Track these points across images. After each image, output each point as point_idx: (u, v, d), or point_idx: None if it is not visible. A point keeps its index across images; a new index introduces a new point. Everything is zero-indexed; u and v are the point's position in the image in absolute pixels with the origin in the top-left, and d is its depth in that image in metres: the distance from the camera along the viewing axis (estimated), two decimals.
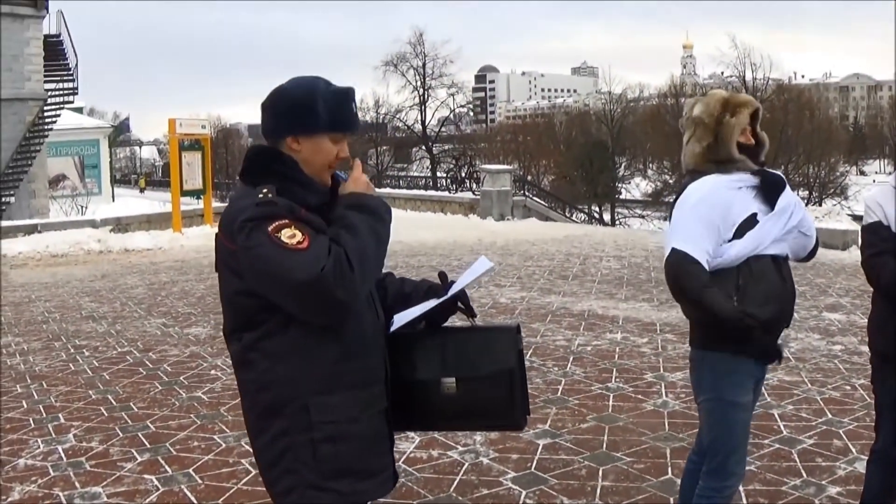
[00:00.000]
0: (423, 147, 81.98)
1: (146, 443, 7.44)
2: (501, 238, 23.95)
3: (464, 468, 6.61)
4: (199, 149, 28.52)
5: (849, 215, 26.13)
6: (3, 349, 11.32)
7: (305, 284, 2.96)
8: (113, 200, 53.86)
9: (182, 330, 12.23)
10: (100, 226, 26.17)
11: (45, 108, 37.38)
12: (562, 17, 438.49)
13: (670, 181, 72.19)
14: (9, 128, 35.31)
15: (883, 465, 4.89)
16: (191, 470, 6.75)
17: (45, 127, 37.39)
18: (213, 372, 9.72)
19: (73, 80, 38.68)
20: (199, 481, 6.53)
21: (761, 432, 7.06)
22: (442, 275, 3.63)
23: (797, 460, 6.60)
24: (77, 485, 6.54)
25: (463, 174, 44.82)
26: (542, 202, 35.61)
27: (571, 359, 9.83)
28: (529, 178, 62.80)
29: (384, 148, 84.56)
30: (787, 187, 4.52)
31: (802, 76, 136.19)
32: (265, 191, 3.11)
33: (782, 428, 7.33)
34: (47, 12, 37.94)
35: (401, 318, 3.49)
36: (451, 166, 67.15)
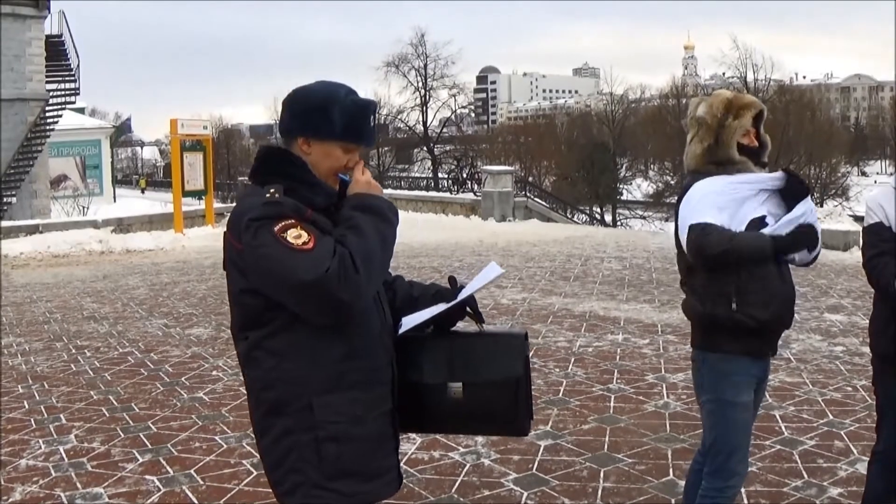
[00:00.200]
0: (425, 148, 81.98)
1: (147, 443, 7.44)
2: (502, 239, 23.95)
3: (465, 469, 6.62)
4: (200, 149, 28.55)
5: (850, 216, 26.07)
6: (5, 349, 11.32)
7: (309, 285, 2.95)
8: (114, 201, 54.02)
9: (183, 331, 12.23)
10: (101, 226, 26.19)
11: (47, 108, 37.44)
12: (563, 18, 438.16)
13: (672, 182, 72.28)
14: (10, 128, 35.36)
15: (885, 467, 4.89)
16: (192, 471, 6.75)
17: (47, 127, 37.44)
18: (214, 373, 9.73)
19: (74, 81, 38.72)
20: (201, 482, 6.53)
21: (763, 433, 7.05)
22: (451, 279, 3.63)
23: (798, 461, 6.60)
24: (78, 485, 6.54)
25: (464, 175, 44.78)
26: (544, 203, 35.64)
27: (573, 360, 9.83)
28: (531, 179, 62.95)
29: (385, 149, 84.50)
30: (808, 197, 4.49)
31: (804, 77, 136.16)
32: (272, 190, 3.11)
33: (784, 429, 7.33)
34: (49, 12, 38.00)
35: (409, 321, 3.48)
36: (453, 167, 67.02)
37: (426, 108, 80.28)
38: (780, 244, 4.31)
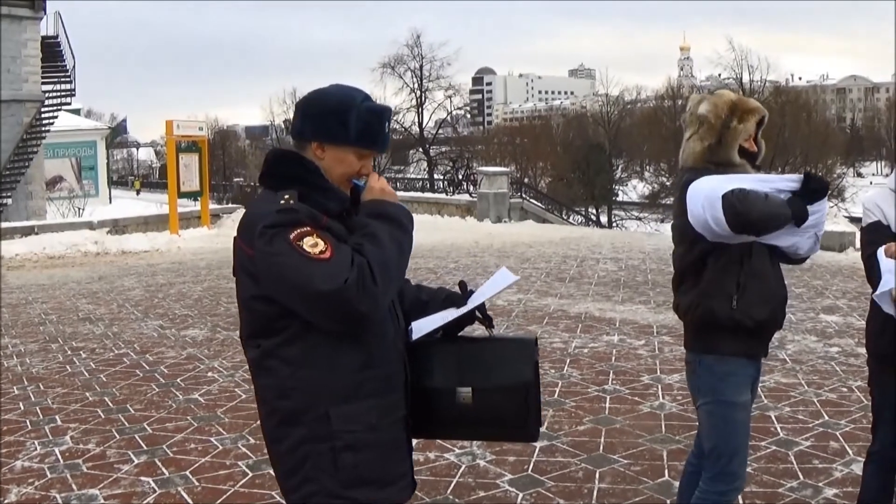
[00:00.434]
0: (420, 149, 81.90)
1: (143, 445, 7.43)
2: (498, 240, 23.97)
3: (461, 470, 6.62)
4: (196, 150, 28.56)
5: (846, 217, 26.13)
6: (1, 351, 11.31)
7: (327, 296, 2.92)
8: (110, 202, 53.94)
9: (179, 332, 12.23)
10: (97, 227, 26.18)
11: (43, 109, 37.37)
12: (559, 19, 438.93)
13: (667, 183, 72.20)
14: (6, 129, 35.28)
15: (881, 467, 4.90)
16: (188, 472, 6.75)
17: (43, 128, 37.39)
18: (209, 374, 9.72)
19: (70, 82, 38.66)
20: (196, 483, 6.52)
21: (758, 434, 7.05)
22: (462, 284, 3.59)
23: (794, 462, 6.60)
24: (74, 487, 6.53)
25: (460, 176, 44.88)
26: (539, 204, 35.67)
27: (568, 361, 9.83)
28: (526, 180, 62.89)
29: None
30: (825, 199, 4.46)
31: (800, 78, 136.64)
32: (286, 197, 3.07)
33: (779, 430, 7.34)
34: (45, 13, 37.94)
35: (420, 327, 3.45)
36: (448, 168, 67.11)
37: (422, 110, 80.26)
38: (795, 207, 4.27)
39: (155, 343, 11.54)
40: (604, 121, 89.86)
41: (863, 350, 5.21)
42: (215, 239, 25.29)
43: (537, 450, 6.95)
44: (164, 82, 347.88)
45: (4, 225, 26.57)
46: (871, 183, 79.04)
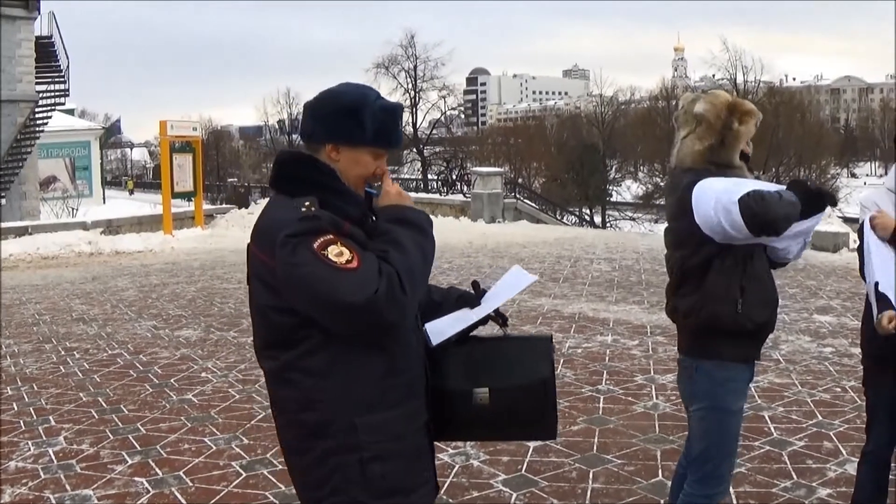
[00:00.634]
0: (414, 149, 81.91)
1: (137, 445, 7.43)
2: (492, 240, 23.96)
3: (454, 471, 6.61)
4: (190, 151, 28.53)
5: (840, 217, 26.10)
6: None
7: (358, 307, 2.86)
8: (104, 202, 53.88)
9: (173, 332, 12.22)
10: (90, 228, 26.14)
11: (37, 109, 37.34)
12: (553, 20, 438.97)
13: (661, 184, 72.21)
14: (0, 130, 35.24)
15: (875, 467, 4.92)
16: (181, 472, 6.74)
17: (37, 128, 37.35)
18: (203, 374, 9.72)
19: (64, 82, 38.63)
20: (190, 484, 6.52)
21: (752, 434, 7.07)
22: (475, 283, 3.57)
23: (788, 462, 6.61)
24: (68, 487, 6.53)
25: (454, 176, 44.78)
26: (533, 204, 35.72)
27: (562, 361, 9.83)
28: (520, 180, 62.92)
29: None
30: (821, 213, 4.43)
31: (794, 79, 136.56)
32: (307, 203, 2.98)
33: (773, 430, 7.34)
34: (39, 14, 37.91)
35: (438, 330, 3.39)
36: (442, 169, 67.02)
37: (416, 110, 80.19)
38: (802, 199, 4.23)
39: (149, 343, 11.53)
40: (598, 121, 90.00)
41: (857, 350, 5.22)
42: (209, 239, 25.30)
43: (531, 450, 6.95)
44: (158, 83, 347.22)
45: None
46: (865, 183, 79.09)
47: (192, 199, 29.15)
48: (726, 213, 4.11)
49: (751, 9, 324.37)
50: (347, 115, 3.13)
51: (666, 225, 4.67)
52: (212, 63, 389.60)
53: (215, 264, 20.10)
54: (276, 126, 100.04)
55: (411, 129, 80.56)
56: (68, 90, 39.10)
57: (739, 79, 78.48)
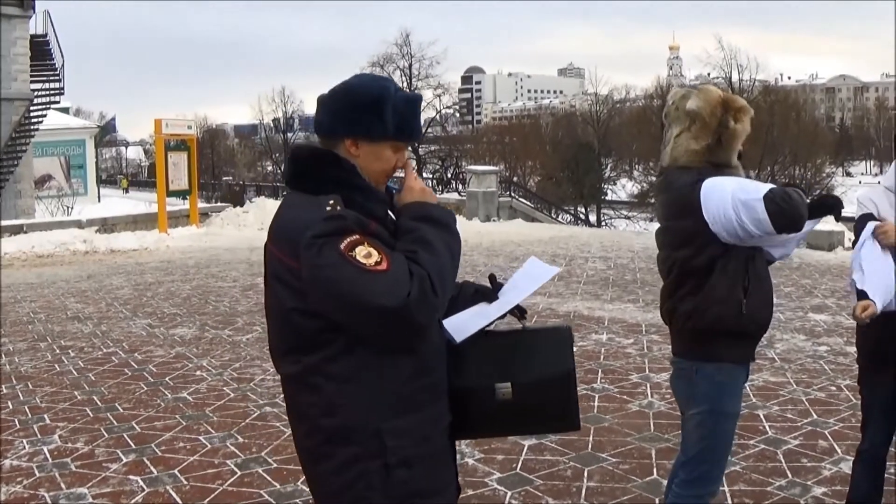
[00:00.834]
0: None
1: (131, 443, 7.42)
2: (487, 239, 23.94)
3: None
4: (184, 149, 28.49)
5: (834, 216, 26.14)
6: None
7: (390, 311, 2.77)
8: (99, 201, 53.79)
9: (167, 331, 12.21)
10: (85, 226, 26.10)
11: (32, 108, 37.29)
12: (548, 19, 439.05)
13: (656, 182, 72.24)
14: None
15: (870, 466, 4.92)
16: (176, 471, 6.74)
17: (32, 127, 37.31)
18: (198, 373, 9.71)
19: (59, 80, 38.59)
20: (185, 482, 6.51)
21: (747, 433, 7.07)
22: (492, 277, 3.47)
23: (782, 461, 6.61)
24: (62, 485, 6.52)
25: (449, 175, 44.93)
26: (528, 203, 35.67)
27: None
28: (515, 179, 62.91)
29: None
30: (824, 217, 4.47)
31: (789, 77, 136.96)
32: (332, 202, 2.88)
33: (768, 428, 7.35)
34: (34, 12, 37.88)
35: (458, 327, 3.24)
36: (437, 167, 67.23)
37: None
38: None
39: (143, 342, 11.52)
40: (593, 120, 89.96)
41: (851, 349, 5.23)
42: (204, 238, 25.26)
43: (526, 448, 6.95)
44: (152, 81, 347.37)
45: None
46: (860, 182, 79.30)
47: (188, 197, 29.12)
48: (749, 211, 4.04)
49: (747, 8, 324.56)
50: (368, 109, 3.03)
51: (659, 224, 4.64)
52: (207, 61, 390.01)
53: (210, 263, 20.09)
54: (272, 124, 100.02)
55: None
56: (63, 89, 39.06)
57: (734, 77, 78.56)
